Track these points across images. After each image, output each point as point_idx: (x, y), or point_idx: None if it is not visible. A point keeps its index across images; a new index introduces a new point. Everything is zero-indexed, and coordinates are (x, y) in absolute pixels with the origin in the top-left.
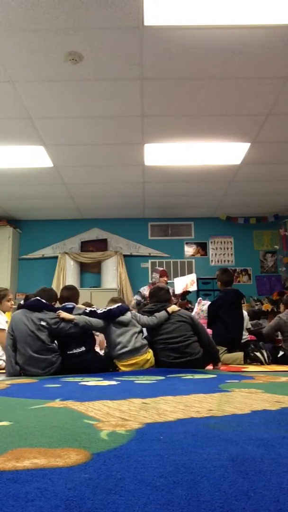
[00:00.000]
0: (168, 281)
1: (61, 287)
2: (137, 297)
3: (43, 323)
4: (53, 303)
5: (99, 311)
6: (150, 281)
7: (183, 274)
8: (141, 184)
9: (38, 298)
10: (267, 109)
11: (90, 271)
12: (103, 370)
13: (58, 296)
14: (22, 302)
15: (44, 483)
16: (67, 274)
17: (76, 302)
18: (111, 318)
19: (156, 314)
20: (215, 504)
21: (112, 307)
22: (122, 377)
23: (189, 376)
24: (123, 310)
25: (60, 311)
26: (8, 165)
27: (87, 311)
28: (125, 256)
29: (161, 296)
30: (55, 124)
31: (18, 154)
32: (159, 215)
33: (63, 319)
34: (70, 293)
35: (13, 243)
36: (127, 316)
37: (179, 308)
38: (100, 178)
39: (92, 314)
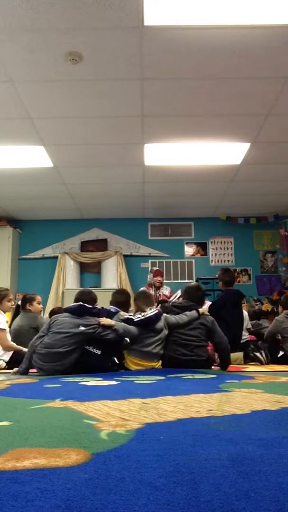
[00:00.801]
0: (164, 281)
1: (61, 287)
2: None
3: (81, 328)
4: (95, 305)
5: (135, 319)
6: (147, 281)
7: (183, 274)
8: (141, 184)
9: (81, 303)
10: (267, 109)
11: (90, 271)
12: (110, 369)
13: (111, 299)
14: (19, 302)
15: (44, 483)
16: (67, 274)
17: (129, 307)
18: (146, 325)
19: (187, 312)
20: (215, 504)
21: (149, 315)
22: (122, 377)
23: (189, 376)
24: (159, 316)
25: (102, 318)
26: (8, 165)
27: (124, 318)
28: (125, 256)
29: (195, 298)
30: (55, 124)
31: (18, 154)
32: (159, 215)
33: (103, 326)
34: (124, 298)
35: (13, 243)
36: (161, 323)
37: (208, 313)
38: (100, 178)
39: (128, 321)
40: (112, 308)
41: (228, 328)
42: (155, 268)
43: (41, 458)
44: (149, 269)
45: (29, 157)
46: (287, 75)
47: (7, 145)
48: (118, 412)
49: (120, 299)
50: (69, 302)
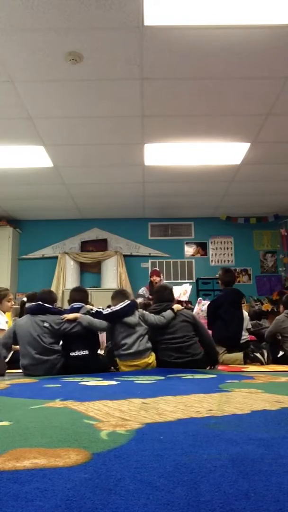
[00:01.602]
0: (165, 281)
1: (61, 287)
2: (140, 300)
3: (46, 324)
4: (55, 305)
5: (104, 312)
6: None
7: (183, 274)
8: (141, 184)
9: (40, 302)
10: (267, 109)
11: (90, 271)
12: (104, 370)
13: (68, 298)
14: (24, 299)
15: (44, 483)
16: (67, 274)
17: (86, 304)
18: (116, 318)
19: (164, 313)
20: (215, 504)
21: (118, 308)
22: (122, 377)
23: (189, 376)
24: (130, 310)
25: (66, 315)
26: (8, 165)
27: (93, 311)
28: (125, 256)
29: (165, 296)
30: (55, 124)
31: (18, 154)
32: (159, 215)
33: (67, 320)
34: (81, 296)
35: (13, 243)
36: (135, 317)
37: (183, 307)
38: (100, 178)
39: (97, 314)
40: (75, 305)
41: (227, 327)
42: (153, 269)
43: (41, 458)
44: (149, 270)
45: (29, 157)
46: (287, 75)
47: (7, 145)
48: (118, 412)
49: (77, 297)
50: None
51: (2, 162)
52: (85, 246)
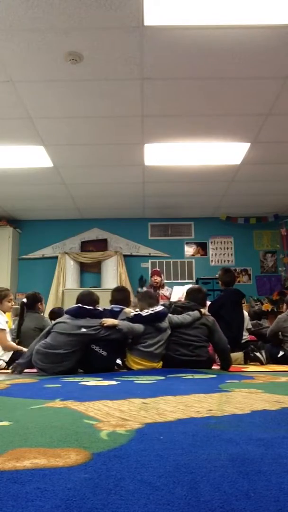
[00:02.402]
0: (165, 281)
1: (61, 287)
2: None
3: (83, 330)
4: (97, 306)
5: (144, 314)
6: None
7: (183, 274)
8: (141, 184)
9: (80, 305)
10: (267, 109)
11: (90, 271)
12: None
13: (110, 298)
14: (24, 300)
15: (44, 483)
16: (67, 274)
17: (128, 304)
18: (156, 321)
19: (190, 312)
20: (215, 504)
21: (159, 310)
22: (122, 377)
23: (189, 376)
24: (166, 314)
25: (105, 320)
26: (8, 165)
27: (130, 316)
28: (125, 256)
29: (197, 298)
30: (55, 124)
31: (18, 154)
32: (159, 215)
33: (107, 327)
34: (123, 296)
35: (13, 243)
36: (166, 322)
37: (209, 314)
38: (100, 178)
39: (136, 318)
40: (115, 307)
41: (229, 328)
42: (153, 269)
43: (41, 458)
44: (149, 270)
45: (29, 157)
46: (287, 75)
47: (7, 145)
48: (118, 412)
49: (119, 296)
50: (69, 302)
51: (2, 162)
52: (85, 246)
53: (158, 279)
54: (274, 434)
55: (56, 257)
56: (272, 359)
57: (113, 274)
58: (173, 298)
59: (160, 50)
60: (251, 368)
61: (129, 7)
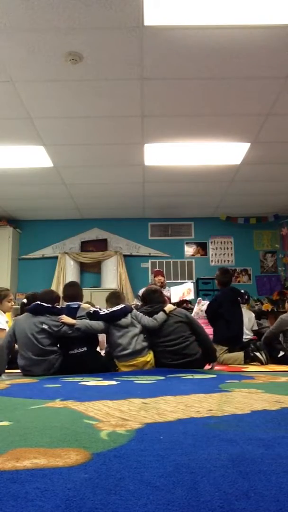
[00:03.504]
0: (167, 281)
1: (61, 287)
2: (137, 302)
3: (45, 326)
4: (56, 304)
5: (101, 313)
6: (149, 282)
7: (183, 274)
8: (141, 184)
9: (39, 302)
10: (267, 109)
11: (90, 271)
12: (104, 370)
13: (62, 294)
14: (24, 300)
15: (44, 483)
16: (67, 274)
17: (81, 299)
18: (114, 320)
19: (156, 316)
20: (215, 504)
21: (115, 309)
22: (122, 377)
23: (189, 376)
24: (126, 312)
25: (63, 316)
26: (8, 165)
27: (90, 311)
28: (125, 256)
29: (154, 299)
30: (55, 124)
31: (18, 154)
32: (159, 215)
33: (65, 324)
34: (74, 291)
35: (13, 243)
36: (127, 318)
37: (175, 307)
38: (100, 178)
39: (95, 315)
40: (72, 304)
41: (229, 326)
42: (155, 269)
43: (41, 458)
44: (149, 270)
45: (29, 157)
46: (287, 75)
47: (7, 145)
48: (118, 412)
49: (71, 292)
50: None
51: (2, 162)
52: (85, 246)
53: (162, 279)
54: (274, 434)
55: (56, 257)
56: (272, 359)
57: (113, 274)
58: (173, 299)
59: (160, 50)
60: (251, 368)
61: (129, 7)
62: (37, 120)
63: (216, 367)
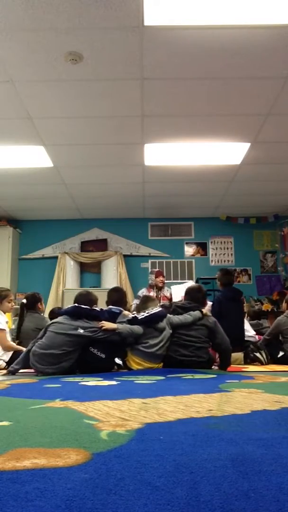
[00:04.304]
0: (166, 281)
1: (61, 287)
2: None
3: (80, 330)
4: (94, 306)
5: (140, 317)
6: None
7: (183, 274)
8: (141, 184)
9: (77, 304)
10: (267, 109)
11: (90, 271)
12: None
13: (106, 299)
14: (24, 301)
15: (44, 483)
16: (67, 274)
17: (125, 306)
18: (151, 323)
19: (191, 312)
20: (215, 504)
21: (153, 312)
22: (122, 377)
23: (189, 376)
24: (163, 316)
25: (104, 322)
26: (8, 165)
27: (130, 318)
28: (125, 256)
29: (197, 298)
30: (55, 124)
31: (18, 154)
32: (159, 215)
33: (106, 330)
34: (119, 296)
35: (13, 243)
36: (163, 323)
37: (210, 314)
38: (100, 178)
39: (134, 320)
40: (114, 308)
41: (229, 326)
42: (155, 270)
43: (41, 458)
44: (149, 270)
45: (29, 157)
46: (287, 75)
47: (7, 145)
48: (118, 412)
49: (116, 297)
50: (69, 302)
51: (2, 162)
52: (85, 246)
53: (163, 279)
54: (274, 434)
55: (56, 257)
56: (272, 359)
57: (113, 274)
58: (175, 298)
59: (160, 50)
60: (251, 368)
61: (129, 7)
62: (37, 120)
63: (216, 367)
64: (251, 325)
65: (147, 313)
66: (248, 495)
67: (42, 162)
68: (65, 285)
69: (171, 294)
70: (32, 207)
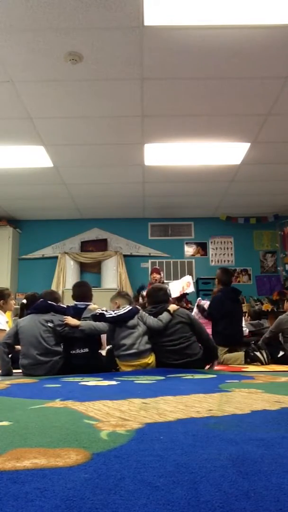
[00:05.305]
0: (164, 281)
1: (61, 287)
2: (140, 301)
3: (50, 324)
4: (59, 304)
5: (107, 315)
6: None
7: (183, 274)
8: (141, 184)
9: (43, 300)
10: (267, 109)
11: (90, 271)
12: (104, 370)
13: (72, 294)
14: (24, 301)
15: (44, 483)
16: (67, 274)
17: (90, 300)
18: (120, 323)
19: (161, 316)
20: (215, 504)
21: (122, 312)
22: (122, 377)
23: (189, 376)
24: (133, 313)
25: (67, 317)
26: (8, 165)
27: (97, 313)
28: (125, 256)
29: (159, 297)
30: (55, 124)
31: (18, 154)
32: (159, 215)
33: (69, 325)
34: (83, 291)
35: (13, 243)
36: (134, 319)
37: (178, 307)
38: (100, 178)
39: (100, 317)
40: (80, 304)
41: (229, 325)
42: (153, 267)
43: (41, 458)
44: (149, 270)
45: (29, 157)
46: (287, 75)
47: (7, 145)
48: (118, 412)
49: (80, 292)
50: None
51: (2, 162)
52: (85, 246)
53: (157, 276)
54: (274, 434)
55: (56, 257)
56: (272, 359)
57: (113, 274)
58: (173, 295)
59: (160, 50)
60: (251, 368)
61: (129, 7)
62: (37, 120)
63: (216, 367)
64: (252, 325)
65: (115, 313)
66: (248, 495)
67: (42, 162)
68: (65, 285)
69: (169, 292)
70: (32, 207)
